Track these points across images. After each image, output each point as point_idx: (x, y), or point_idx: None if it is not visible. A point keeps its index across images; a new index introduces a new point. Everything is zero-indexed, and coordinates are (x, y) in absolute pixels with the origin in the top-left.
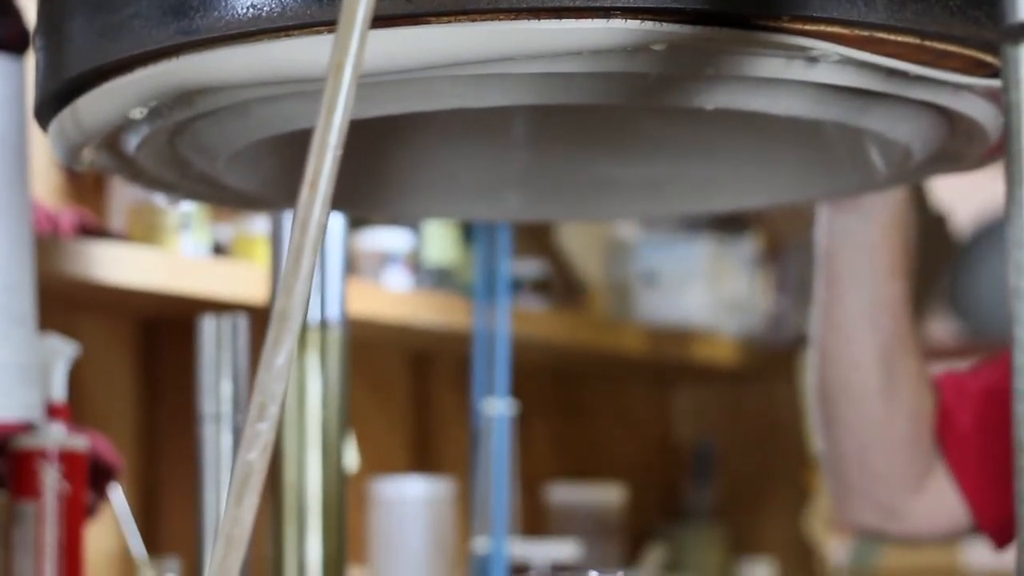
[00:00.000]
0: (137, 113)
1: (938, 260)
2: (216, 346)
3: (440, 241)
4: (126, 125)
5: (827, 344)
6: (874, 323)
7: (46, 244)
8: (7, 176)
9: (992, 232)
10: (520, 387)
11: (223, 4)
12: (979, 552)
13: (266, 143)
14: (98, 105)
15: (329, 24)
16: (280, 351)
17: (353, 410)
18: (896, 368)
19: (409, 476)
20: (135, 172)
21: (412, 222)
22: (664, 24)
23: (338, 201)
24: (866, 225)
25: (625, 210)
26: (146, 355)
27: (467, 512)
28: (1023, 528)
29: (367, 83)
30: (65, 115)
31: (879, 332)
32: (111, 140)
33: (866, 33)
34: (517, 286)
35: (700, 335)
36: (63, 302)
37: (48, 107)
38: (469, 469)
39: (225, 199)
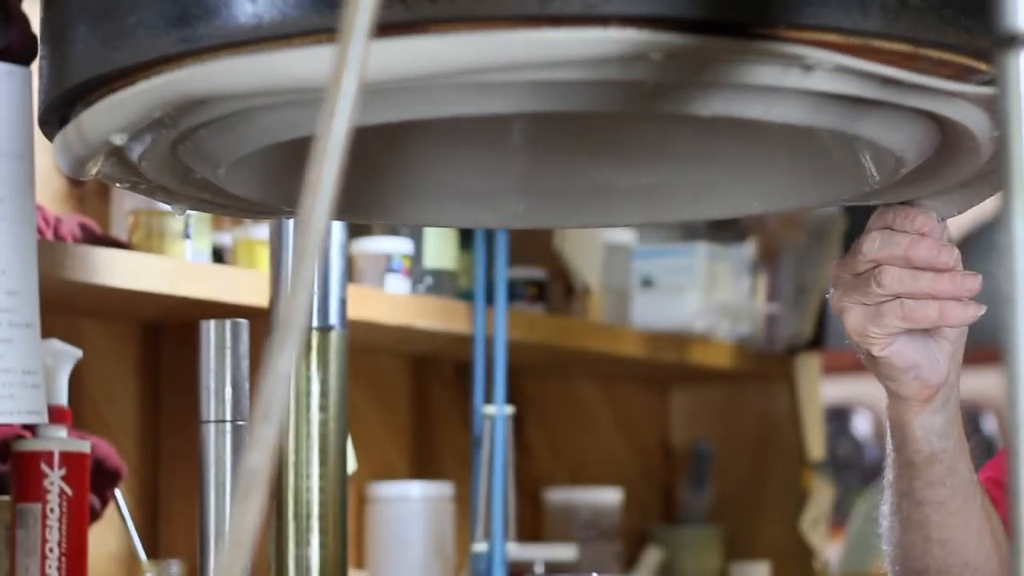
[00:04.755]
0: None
1: None
2: (218, 351)
3: (439, 246)
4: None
5: (940, 534)
6: (975, 488)
7: (50, 249)
8: (13, 184)
9: (982, 238)
10: (518, 391)
11: (225, 13)
12: None
13: (267, 151)
14: (102, 118)
15: (330, 32)
16: (284, 355)
17: (353, 414)
18: (991, 512)
19: (408, 479)
20: (138, 180)
21: (411, 228)
22: (661, 33)
23: (339, 207)
24: (956, 414)
25: (623, 217)
26: (148, 360)
27: (466, 515)
28: (1019, 532)
29: (367, 91)
30: (69, 129)
31: (979, 493)
32: (116, 149)
33: (861, 41)
34: (515, 291)
35: (697, 340)
36: (66, 307)
37: (52, 115)
38: (468, 472)
39: (227, 206)
